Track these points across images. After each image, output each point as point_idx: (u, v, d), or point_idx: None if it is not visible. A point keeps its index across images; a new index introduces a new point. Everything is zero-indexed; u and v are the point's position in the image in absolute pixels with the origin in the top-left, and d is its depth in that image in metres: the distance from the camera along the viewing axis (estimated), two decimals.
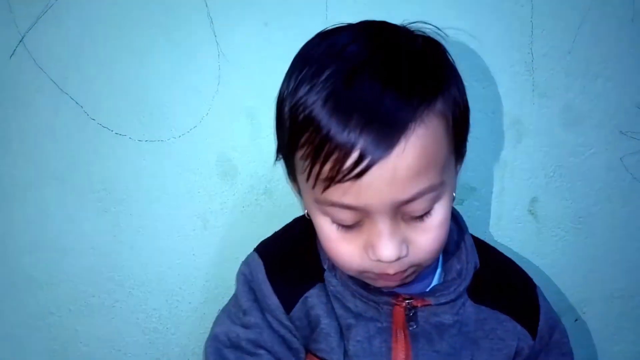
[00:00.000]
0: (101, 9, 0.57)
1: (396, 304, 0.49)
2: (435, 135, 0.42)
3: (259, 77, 0.60)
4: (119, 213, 0.61)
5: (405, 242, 0.44)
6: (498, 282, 0.53)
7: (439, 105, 0.42)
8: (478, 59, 0.62)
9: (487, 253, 0.54)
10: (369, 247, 0.43)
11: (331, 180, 0.41)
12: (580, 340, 0.69)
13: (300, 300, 0.50)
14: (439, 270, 0.52)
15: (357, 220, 0.43)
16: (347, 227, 0.44)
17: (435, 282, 0.52)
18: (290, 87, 0.44)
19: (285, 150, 0.45)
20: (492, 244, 0.63)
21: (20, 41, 0.57)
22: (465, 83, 0.61)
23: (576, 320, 0.68)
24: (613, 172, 0.65)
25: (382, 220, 0.42)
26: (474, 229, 0.64)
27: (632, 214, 0.66)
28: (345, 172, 0.40)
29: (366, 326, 0.49)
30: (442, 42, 0.53)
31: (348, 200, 0.41)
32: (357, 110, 0.39)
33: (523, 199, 0.65)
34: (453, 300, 0.50)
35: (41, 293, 0.62)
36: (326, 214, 0.44)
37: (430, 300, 0.49)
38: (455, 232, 0.53)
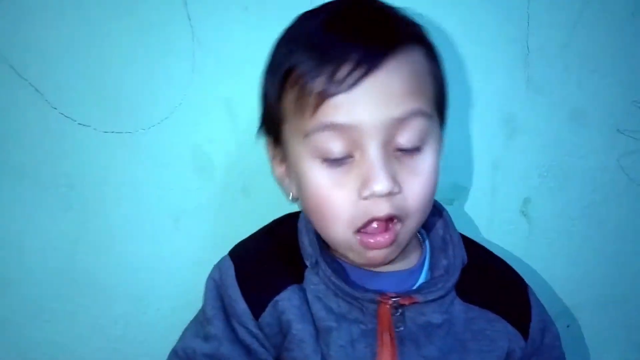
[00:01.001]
0: None
1: (382, 302, 0.47)
2: (422, 69, 0.45)
3: (237, 65, 0.57)
4: (82, 211, 0.58)
5: (397, 179, 0.44)
6: (487, 280, 0.52)
7: (424, 49, 0.46)
8: (470, 51, 0.61)
9: (476, 250, 0.53)
10: (362, 184, 0.43)
11: (323, 96, 0.42)
12: (572, 346, 0.68)
13: (270, 305, 0.48)
14: (425, 268, 0.51)
15: (348, 151, 0.43)
16: (337, 166, 0.44)
17: (422, 280, 0.51)
18: (279, 42, 0.47)
19: (274, 96, 0.46)
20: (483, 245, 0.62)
21: None
22: (457, 77, 0.62)
23: (568, 326, 0.67)
24: (609, 173, 0.64)
25: (374, 148, 0.43)
26: (464, 230, 0.63)
27: (628, 216, 0.65)
28: (338, 83, 0.41)
29: (349, 329, 0.47)
30: (435, 32, 0.56)
31: (340, 117, 0.42)
32: (351, 28, 0.43)
33: (515, 200, 0.64)
34: (442, 297, 0.48)
35: None
36: (315, 151, 0.44)
37: (418, 298, 0.47)
38: (441, 228, 0.52)
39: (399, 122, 0.43)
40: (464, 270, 0.50)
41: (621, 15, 0.61)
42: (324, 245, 0.50)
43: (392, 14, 0.46)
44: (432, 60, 0.47)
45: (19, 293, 0.59)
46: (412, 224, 0.46)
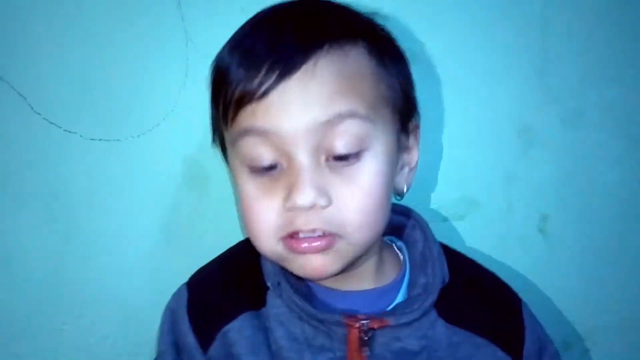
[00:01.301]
0: None
1: (349, 325, 0.43)
2: (359, 67, 0.42)
3: None
4: (68, 223, 0.56)
5: (326, 190, 0.41)
6: (474, 298, 0.49)
7: (366, 46, 0.43)
8: (483, 58, 0.60)
9: (461, 265, 0.50)
10: (286, 194, 0.41)
11: (240, 103, 0.41)
12: None
13: (219, 336, 0.45)
14: (404, 287, 0.48)
15: (275, 159, 0.42)
16: (264, 175, 0.42)
17: (399, 299, 0.48)
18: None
19: (212, 103, 0.46)
20: (496, 265, 0.60)
21: None
22: (468, 85, 0.60)
23: (588, 351, 0.64)
24: (631, 187, 0.63)
25: (300, 156, 0.41)
26: (477, 247, 0.61)
27: None
28: (253, 90, 0.40)
29: (314, 359, 0.44)
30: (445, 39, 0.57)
31: (257, 122, 0.41)
32: (276, 28, 0.42)
33: (531, 216, 0.62)
34: (417, 320, 0.45)
35: None
36: (242, 158, 0.43)
37: (390, 320, 0.44)
38: (420, 242, 0.49)
39: (328, 127, 0.40)
40: (448, 288, 0.47)
41: None
42: None
43: (328, 10, 0.44)
44: (378, 57, 0.43)
45: (2, 308, 0.56)
46: (354, 239, 0.42)
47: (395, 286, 0.48)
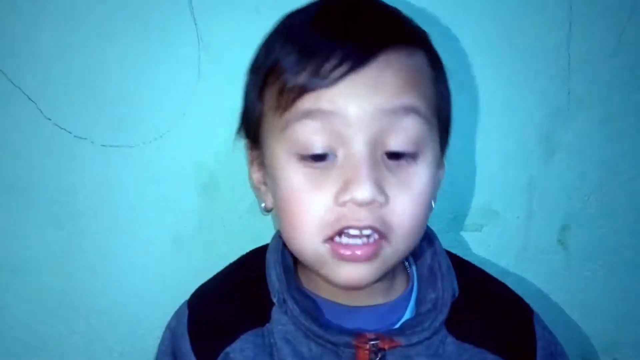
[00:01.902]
0: None
1: (358, 346, 0.42)
2: (421, 70, 0.42)
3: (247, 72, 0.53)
4: (77, 229, 0.55)
5: (384, 189, 0.40)
6: (484, 311, 0.47)
7: (425, 54, 0.43)
8: (505, 61, 0.58)
9: (470, 277, 0.49)
10: (341, 187, 0.39)
11: (305, 89, 0.39)
12: None
13: (220, 357, 0.44)
14: (412, 302, 0.47)
15: (330, 146, 0.40)
16: (316, 164, 0.40)
17: (407, 315, 0.47)
18: (263, 42, 0.45)
19: (255, 93, 0.44)
20: (514, 277, 0.60)
21: None
22: (490, 89, 0.58)
23: None
24: None
25: (360, 144, 0.39)
26: (494, 259, 0.60)
27: None
28: (322, 77, 0.39)
29: None
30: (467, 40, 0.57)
31: (322, 104, 0.39)
32: (339, 25, 0.41)
33: (552, 226, 0.61)
34: (428, 339, 0.44)
35: None
36: (294, 145, 0.40)
37: (400, 340, 0.43)
38: (428, 255, 0.48)
39: (392, 118, 0.39)
40: (457, 302, 0.45)
41: None
42: (295, 278, 0.47)
43: (388, 13, 0.44)
44: (435, 69, 0.44)
45: (10, 316, 0.56)
46: (399, 245, 0.41)
47: (403, 301, 0.47)
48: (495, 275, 0.52)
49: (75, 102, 0.53)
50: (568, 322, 0.61)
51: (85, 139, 0.54)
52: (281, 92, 0.40)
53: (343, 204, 0.39)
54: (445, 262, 0.46)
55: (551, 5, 0.57)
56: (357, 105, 0.39)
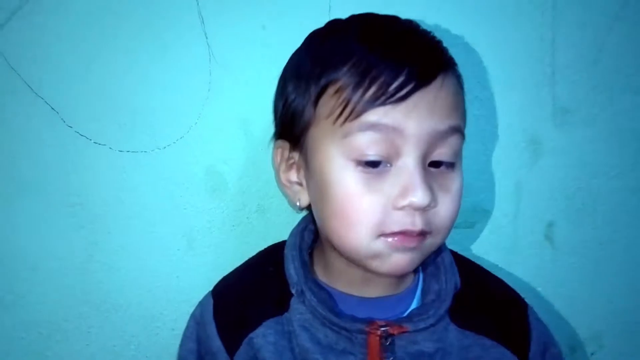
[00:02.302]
0: (81, 6, 0.54)
1: (370, 332, 0.46)
2: (459, 91, 0.46)
3: (254, 84, 0.57)
4: (95, 230, 0.58)
5: (434, 194, 0.43)
6: (483, 303, 0.51)
7: (457, 75, 0.47)
8: (494, 69, 0.60)
9: (471, 271, 0.52)
10: (399, 193, 0.42)
11: (373, 102, 0.42)
12: None
13: (245, 342, 0.47)
14: (418, 293, 0.50)
15: (387, 156, 0.43)
16: (371, 171, 0.43)
17: (414, 305, 0.50)
18: (309, 52, 0.48)
19: (305, 102, 0.45)
20: (504, 272, 0.62)
21: None
22: (480, 95, 0.60)
23: (592, 354, 0.66)
24: (638, 195, 0.63)
25: (415, 158, 0.43)
26: (485, 255, 0.62)
27: None
28: (392, 93, 0.42)
29: None
30: (457, 50, 0.56)
31: (387, 120, 0.42)
32: (403, 44, 0.44)
33: (539, 223, 0.63)
34: (433, 325, 0.47)
35: (8, 315, 0.58)
36: (351, 152, 0.43)
37: (408, 327, 0.46)
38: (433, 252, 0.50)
39: (441, 137, 0.43)
40: (459, 295, 0.49)
41: None
42: (311, 271, 0.50)
43: (433, 37, 0.47)
44: (461, 87, 0.48)
45: (31, 312, 0.58)
46: (438, 240, 0.45)
47: (410, 293, 0.50)
48: (486, 269, 0.54)
49: (94, 111, 0.55)
50: (555, 313, 0.63)
51: (104, 145, 0.56)
52: (345, 105, 0.42)
53: (401, 208, 0.42)
54: (448, 258, 0.50)
55: (536, 17, 0.59)
56: (416, 124, 0.42)
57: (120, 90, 0.56)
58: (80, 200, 0.57)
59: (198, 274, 0.59)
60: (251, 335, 0.47)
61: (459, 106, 0.45)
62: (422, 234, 0.43)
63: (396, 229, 0.43)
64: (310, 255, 0.51)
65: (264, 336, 0.47)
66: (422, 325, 0.46)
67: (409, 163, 0.42)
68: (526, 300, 0.53)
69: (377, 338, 0.45)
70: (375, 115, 0.42)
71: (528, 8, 0.59)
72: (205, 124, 0.57)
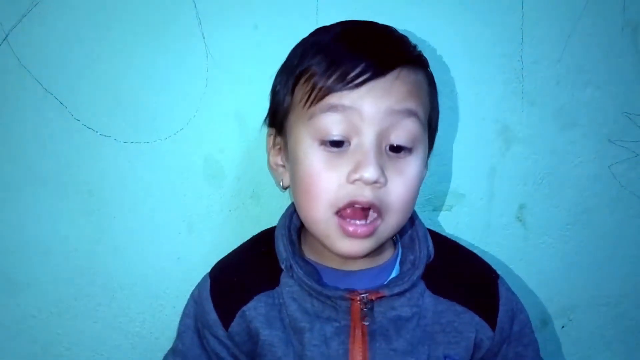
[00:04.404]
0: (87, 7, 0.57)
1: (352, 299, 0.49)
2: (423, 86, 0.49)
3: (248, 79, 0.59)
4: (102, 215, 0.60)
5: (385, 173, 0.46)
6: (456, 272, 0.53)
7: (425, 75, 0.50)
8: (468, 66, 0.63)
9: (444, 244, 0.55)
10: (352, 169, 0.46)
11: (332, 89, 0.46)
12: (567, 347, 0.69)
13: (238, 315, 0.51)
14: (396, 266, 0.53)
15: (347, 134, 0.46)
16: (333, 150, 0.46)
17: (393, 274, 0.53)
18: (294, 49, 0.52)
19: (286, 91, 0.49)
20: (479, 250, 0.64)
21: (4, 39, 0.56)
22: (456, 89, 0.63)
23: (563, 327, 0.69)
24: (601, 180, 0.66)
25: (371, 135, 0.46)
26: (462, 235, 0.65)
27: (619, 221, 0.67)
28: (350, 79, 0.45)
29: (322, 329, 0.49)
30: (435, 48, 0.61)
31: (345, 101, 0.46)
32: (362, 42, 0.48)
33: (511, 206, 0.66)
34: (407, 290, 0.50)
35: (22, 295, 0.61)
36: (316, 132, 0.46)
37: (385, 292, 0.49)
38: (409, 227, 0.54)
39: (397, 117, 0.46)
40: (434, 265, 0.52)
41: (611, 30, 0.63)
42: (299, 250, 0.53)
43: (399, 38, 0.51)
44: (430, 87, 0.51)
45: (43, 292, 0.61)
46: (391, 221, 0.48)
47: (389, 265, 0.53)
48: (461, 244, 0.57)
49: (100, 105, 0.58)
50: (527, 289, 0.66)
51: (110, 137, 0.58)
52: (312, 90, 0.47)
53: (353, 182, 0.46)
54: (422, 231, 0.53)
55: (506, 18, 0.61)
56: (372, 104, 0.46)
57: (124, 86, 0.58)
58: (88, 188, 0.59)
59: (197, 255, 0.61)
60: (244, 308, 0.50)
61: (419, 96, 0.48)
62: (371, 208, 0.46)
63: (346, 200, 0.46)
64: (299, 236, 0.55)
65: (255, 308, 0.50)
66: (397, 289, 0.49)
67: (364, 141, 0.46)
68: (497, 271, 0.56)
69: (358, 304, 0.49)
70: (335, 98, 0.46)
71: (500, 9, 0.61)
72: (203, 117, 0.59)
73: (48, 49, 0.57)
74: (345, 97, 0.46)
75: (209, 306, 0.52)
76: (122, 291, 0.62)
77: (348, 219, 0.47)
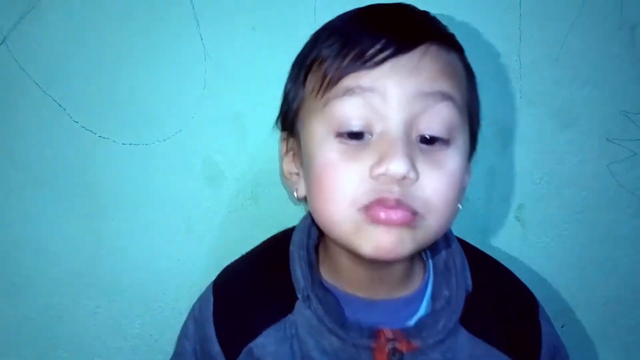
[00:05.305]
0: (85, 9, 0.57)
1: (376, 349, 0.42)
2: (458, 67, 0.42)
3: (246, 81, 0.59)
4: (101, 217, 0.60)
5: (416, 166, 0.38)
6: (495, 305, 0.47)
7: (460, 57, 0.44)
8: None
9: (482, 268, 0.48)
10: (376, 161, 0.38)
11: (347, 70, 0.39)
12: (567, 346, 0.67)
13: (244, 352, 0.44)
14: (427, 297, 0.46)
15: (367, 124, 0.39)
16: (352, 142, 0.39)
17: (422, 310, 0.46)
18: (306, 43, 0.46)
19: (298, 84, 0.44)
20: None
21: (2, 42, 0.56)
22: None
23: (563, 326, 0.69)
24: (599, 179, 0.66)
25: (397, 122, 0.38)
26: (460, 235, 0.63)
27: (617, 220, 0.67)
28: (368, 57, 0.38)
29: None
30: None
31: (364, 82, 0.38)
32: (381, 21, 0.41)
33: (510, 206, 0.65)
34: (442, 341, 0.44)
35: (21, 297, 0.61)
36: (332, 124, 0.39)
37: (417, 343, 0.43)
38: (443, 251, 0.47)
39: (429, 101, 0.39)
40: (470, 297, 0.45)
41: (609, 29, 0.63)
42: (317, 271, 0.46)
43: (428, 16, 0.45)
44: (468, 75, 0.44)
45: (42, 294, 0.61)
46: (432, 222, 0.40)
47: (419, 295, 0.46)
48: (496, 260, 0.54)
49: (99, 107, 0.58)
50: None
51: (108, 138, 0.58)
52: (324, 75, 0.40)
53: (377, 177, 0.38)
54: (460, 259, 0.45)
55: (504, 17, 0.61)
56: (397, 84, 0.38)
57: (123, 88, 0.58)
58: (87, 190, 0.59)
59: (197, 257, 0.61)
60: (251, 345, 0.44)
61: (454, 76, 0.41)
62: (401, 206, 0.38)
63: (372, 197, 0.38)
64: (316, 251, 0.48)
65: (263, 347, 0.44)
66: (431, 340, 0.43)
67: (390, 128, 0.38)
68: (536, 298, 0.52)
69: (384, 356, 0.42)
70: (352, 79, 0.39)
71: (497, 9, 0.61)
72: (202, 118, 0.59)
73: (46, 51, 0.57)
74: (363, 78, 0.38)
75: (211, 333, 0.46)
76: (122, 293, 0.62)
77: (377, 208, 0.38)
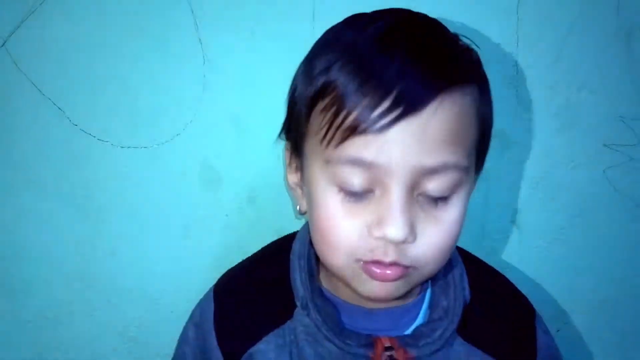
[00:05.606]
0: (85, 13, 0.57)
1: (373, 359, 0.43)
2: (470, 112, 0.40)
3: (245, 85, 0.59)
4: (99, 220, 0.60)
5: (415, 227, 0.39)
6: (492, 316, 0.47)
7: (478, 88, 0.41)
8: None
9: (479, 278, 0.49)
10: (375, 222, 0.39)
11: (353, 130, 0.37)
12: (562, 351, 0.67)
13: (244, 358, 0.45)
14: (424, 306, 0.47)
15: (368, 188, 0.39)
16: (354, 198, 0.40)
17: (420, 319, 0.47)
18: (311, 57, 0.43)
19: (303, 106, 0.42)
20: (474, 254, 0.63)
21: (2, 45, 0.56)
22: None
23: (558, 330, 0.69)
24: (596, 184, 0.66)
25: (397, 190, 0.38)
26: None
27: (613, 225, 0.67)
28: (373, 121, 0.37)
29: None
30: None
31: (368, 154, 0.38)
32: (405, 53, 0.38)
33: (506, 210, 0.65)
34: (439, 350, 0.45)
35: (18, 300, 0.61)
36: (334, 179, 0.40)
37: (414, 353, 0.44)
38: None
39: (429, 172, 0.39)
40: (467, 307, 0.46)
41: (605, 34, 0.63)
42: (317, 282, 0.47)
43: (452, 41, 0.42)
44: (484, 98, 0.43)
45: (39, 296, 0.61)
46: (425, 272, 0.42)
47: (417, 304, 0.47)
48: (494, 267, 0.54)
49: (98, 109, 0.58)
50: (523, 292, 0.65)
51: (107, 141, 0.58)
52: (331, 125, 0.39)
53: (377, 239, 0.39)
54: (459, 270, 0.46)
55: (501, 21, 0.61)
56: (399, 156, 0.37)
57: (122, 91, 0.58)
58: (85, 193, 0.59)
59: (194, 259, 0.61)
60: (251, 350, 0.45)
61: (463, 135, 0.39)
62: (397, 265, 0.40)
63: (368, 258, 0.40)
64: (316, 258, 0.48)
65: (264, 353, 0.45)
66: (427, 350, 0.44)
67: (390, 194, 0.39)
68: (533, 307, 0.52)
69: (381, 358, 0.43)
70: (355, 147, 0.38)
71: (494, 13, 0.62)
72: (200, 122, 0.59)
73: (46, 54, 0.57)
74: (366, 147, 0.37)
75: (212, 341, 0.46)
76: (119, 296, 0.62)
77: (373, 265, 0.41)
